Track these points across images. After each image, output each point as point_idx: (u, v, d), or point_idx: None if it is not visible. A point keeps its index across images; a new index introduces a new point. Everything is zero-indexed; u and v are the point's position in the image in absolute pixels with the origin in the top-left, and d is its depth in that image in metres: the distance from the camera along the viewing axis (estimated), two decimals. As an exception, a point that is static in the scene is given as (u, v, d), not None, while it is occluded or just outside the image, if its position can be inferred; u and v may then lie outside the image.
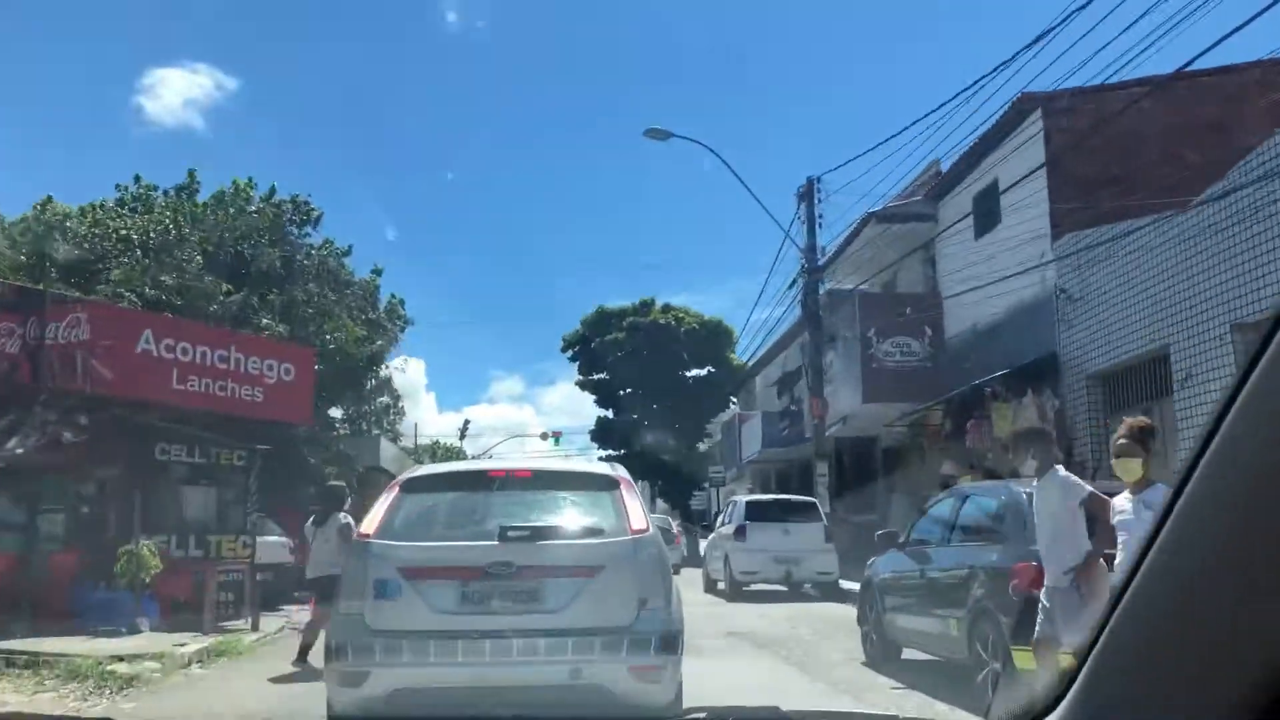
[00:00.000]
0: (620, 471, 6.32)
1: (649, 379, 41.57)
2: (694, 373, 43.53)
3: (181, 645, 10.75)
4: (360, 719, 5.33)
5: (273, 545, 18.59)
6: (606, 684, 5.24)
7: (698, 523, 38.63)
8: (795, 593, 18.41)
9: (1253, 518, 1.07)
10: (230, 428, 15.96)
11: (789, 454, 31.93)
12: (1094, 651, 1.32)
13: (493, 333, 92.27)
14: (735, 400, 43.97)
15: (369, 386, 27.64)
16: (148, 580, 12.74)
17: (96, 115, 77.68)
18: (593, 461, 6.36)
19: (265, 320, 21.21)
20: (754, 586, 18.53)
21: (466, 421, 60.37)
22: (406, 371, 45.46)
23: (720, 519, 20.74)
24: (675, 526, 29.33)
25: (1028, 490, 7.74)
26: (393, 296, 26.38)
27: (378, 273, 25.91)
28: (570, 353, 44.66)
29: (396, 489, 6.02)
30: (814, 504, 19.28)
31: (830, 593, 18.01)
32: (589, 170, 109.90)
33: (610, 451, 45.34)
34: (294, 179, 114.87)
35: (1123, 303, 15.21)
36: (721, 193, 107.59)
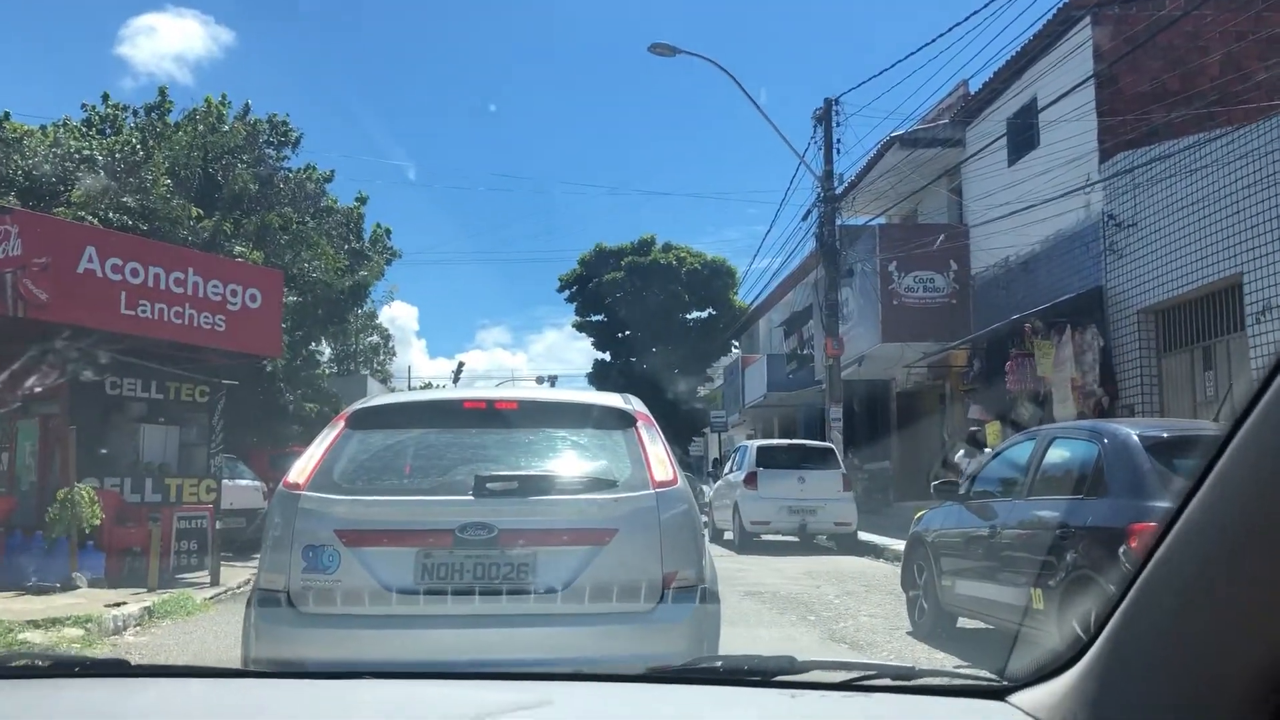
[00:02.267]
0: (636, 404, 4.79)
1: (648, 321, 40.07)
2: (695, 315, 42.11)
3: (117, 606, 9.30)
4: None
5: (244, 489, 17.18)
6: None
7: (699, 470, 37.33)
8: (809, 544, 17.02)
9: None
10: (192, 360, 14.45)
11: (795, 399, 30.51)
12: (1117, 611, 1.33)
13: (486, 274, 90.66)
14: (737, 344, 42.49)
15: (353, 322, 25.97)
16: (87, 529, 11.26)
17: (75, 63, 74.94)
18: (600, 393, 6.37)
19: (239, 248, 19.56)
20: (765, 537, 17.15)
21: (461, 364, 58.63)
22: (393, 304, 42.67)
23: (728, 465, 19.28)
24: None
25: (1139, 432, 6.27)
26: (378, 225, 24.62)
27: (362, 200, 24.09)
28: (567, 293, 43.12)
29: (341, 423, 4.50)
30: (830, 450, 17.79)
31: (848, 545, 16.59)
32: (591, 101, 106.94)
33: (608, 395, 44.28)
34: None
35: (1184, 228, 13.64)
36: (733, 124, 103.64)
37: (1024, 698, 1.59)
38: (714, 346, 41.94)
